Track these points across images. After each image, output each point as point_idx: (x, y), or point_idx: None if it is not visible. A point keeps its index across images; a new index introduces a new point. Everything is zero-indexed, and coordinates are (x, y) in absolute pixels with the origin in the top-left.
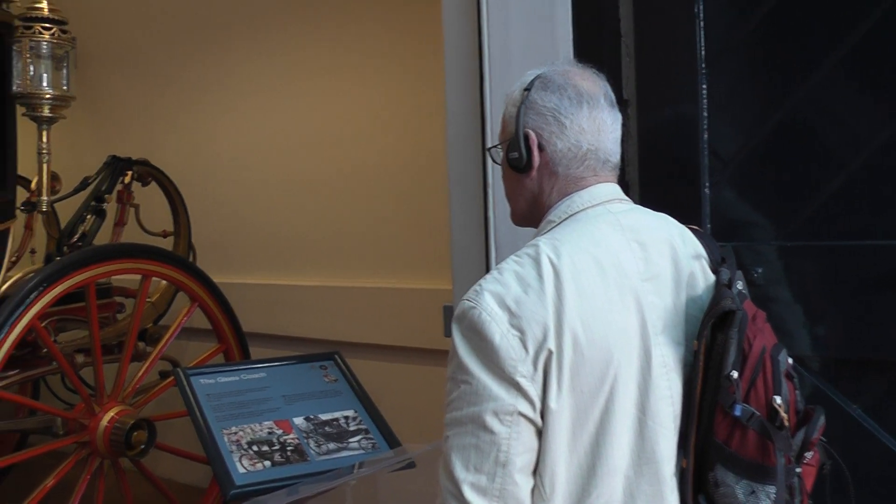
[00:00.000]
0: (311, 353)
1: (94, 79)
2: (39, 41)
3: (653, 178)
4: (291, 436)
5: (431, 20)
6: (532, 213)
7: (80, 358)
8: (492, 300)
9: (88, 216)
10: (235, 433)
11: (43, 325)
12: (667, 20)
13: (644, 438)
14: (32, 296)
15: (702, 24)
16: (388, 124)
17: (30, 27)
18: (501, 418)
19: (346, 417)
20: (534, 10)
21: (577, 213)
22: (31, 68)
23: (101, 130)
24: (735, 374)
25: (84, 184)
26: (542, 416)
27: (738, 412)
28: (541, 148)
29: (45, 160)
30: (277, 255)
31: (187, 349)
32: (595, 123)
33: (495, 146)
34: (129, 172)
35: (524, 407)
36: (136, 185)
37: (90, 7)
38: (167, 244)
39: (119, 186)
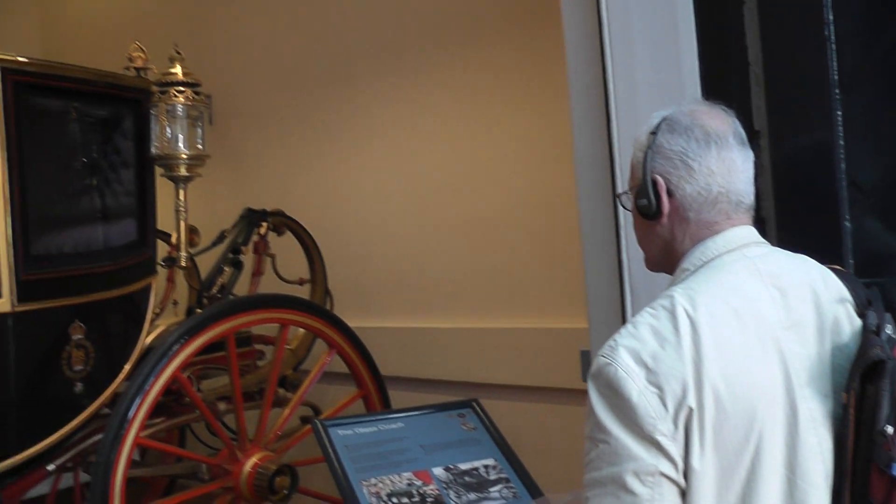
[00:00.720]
0: (449, 399)
1: (230, 134)
2: (175, 104)
3: (789, 213)
4: (431, 487)
5: (557, 62)
6: (666, 260)
7: (222, 405)
8: (627, 356)
9: (226, 268)
10: (375, 485)
11: (186, 374)
12: (796, 45)
13: (794, 499)
14: (174, 348)
15: (833, 46)
16: (520, 166)
17: (165, 91)
18: (643, 479)
19: (486, 466)
20: (658, 47)
21: (712, 259)
22: (168, 130)
23: (238, 183)
24: (889, 430)
25: (221, 237)
26: (685, 476)
27: (895, 471)
28: (670, 193)
29: (182, 217)
30: (414, 299)
31: (328, 393)
32: (725, 164)
33: (624, 193)
34: (265, 224)
35: (666, 467)
36: (271, 236)
37: (225, 65)
38: (304, 291)
39: (255, 238)
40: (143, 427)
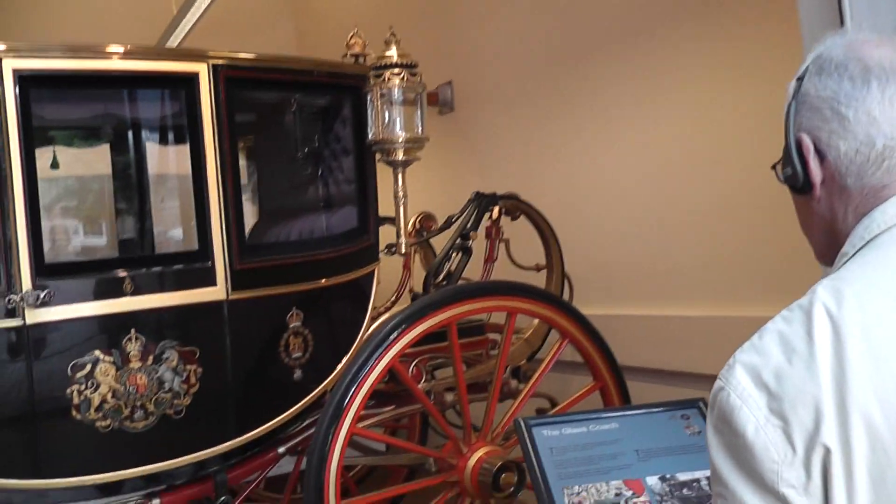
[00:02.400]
0: (687, 393)
1: (471, 120)
2: (390, 88)
3: None
4: (643, 498)
5: (793, 29)
6: (832, 248)
7: (450, 396)
8: (745, 376)
9: (454, 254)
10: (578, 493)
11: (414, 363)
12: None
13: None
14: (392, 336)
15: None
16: (759, 141)
17: (380, 75)
18: None
19: (709, 479)
20: None
21: (877, 237)
22: (386, 115)
23: (479, 168)
24: None
25: (448, 223)
26: None
27: None
28: (820, 156)
29: (401, 202)
30: (656, 285)
31: (572, 384)
32: (892, 107)
33: (778, 163)
34: (497, 208)
35: None
36: (505, 220)
37: (467, 52)
38: (541, 279)
39: (487, 222)
40: (359, 416)
